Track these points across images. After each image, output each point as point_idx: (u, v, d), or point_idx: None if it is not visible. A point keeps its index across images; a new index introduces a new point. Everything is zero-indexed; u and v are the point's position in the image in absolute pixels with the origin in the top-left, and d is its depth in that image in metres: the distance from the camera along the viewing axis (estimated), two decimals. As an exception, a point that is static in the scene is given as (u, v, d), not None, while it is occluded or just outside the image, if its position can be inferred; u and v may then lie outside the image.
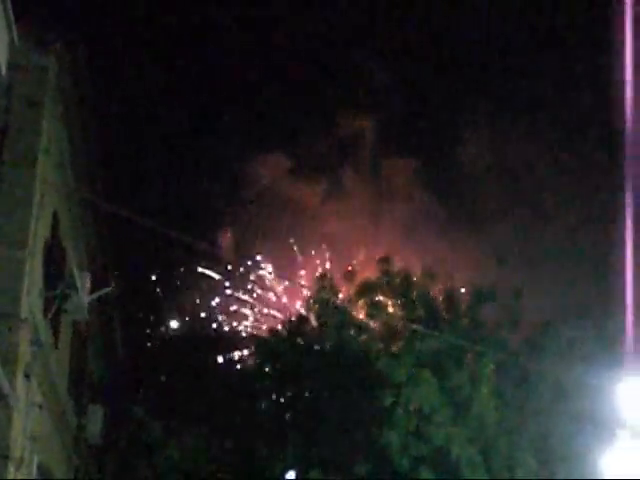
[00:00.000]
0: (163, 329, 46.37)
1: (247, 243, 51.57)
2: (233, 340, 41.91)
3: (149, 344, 43.33)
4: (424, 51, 48.25)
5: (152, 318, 46.56)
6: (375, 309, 25.77)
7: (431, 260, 29.17)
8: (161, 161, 48.59)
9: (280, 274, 50.24)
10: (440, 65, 47.98)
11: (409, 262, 29.63)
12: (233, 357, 38.98)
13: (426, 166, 46.28)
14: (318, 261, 50.02)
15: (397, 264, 26.94)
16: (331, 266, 46.04)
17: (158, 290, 48.65)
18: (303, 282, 45.85)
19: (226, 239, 51.49)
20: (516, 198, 41.75)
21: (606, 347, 24.25)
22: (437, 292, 26.34)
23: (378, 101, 49.34)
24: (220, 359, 38.62)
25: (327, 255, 49.98)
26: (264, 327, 42.57)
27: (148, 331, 44.83)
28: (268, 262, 51.07)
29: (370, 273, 27.51)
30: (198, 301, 50.71)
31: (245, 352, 37.46)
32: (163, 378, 34.95)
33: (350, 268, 28.08)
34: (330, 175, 50.15)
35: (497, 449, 23.94)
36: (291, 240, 50.51)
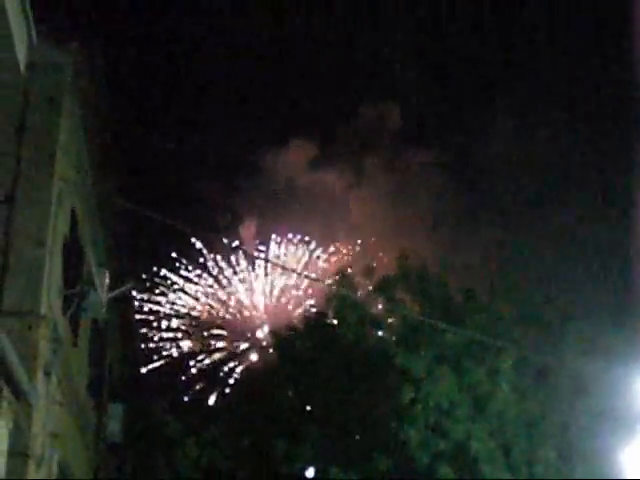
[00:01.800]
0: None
1: (268, 233, 51.53)
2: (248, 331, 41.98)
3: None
4: (448, 43, 47.93)
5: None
6: (393, 305, 25.72)
7: (450, 254, 29.13)
8: (180, 156, 48.59)
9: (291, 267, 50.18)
10: (465, 57, 47.68)
11: (428, 255, 29.56)
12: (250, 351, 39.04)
13: (450, 158, 46.00)
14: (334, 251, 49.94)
15: (416, 258, 26.87)
16: (350, 258, 45.89)
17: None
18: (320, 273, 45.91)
19: (248, 231, 51.50)
20: (537, 190, 41.55)
21: (626, 342, 24.15)
22: (455, 287, 26.31)
23: (402, 91, 49.08)
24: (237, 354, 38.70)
25: (344, 247, 49.91)
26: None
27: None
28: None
29: (389, 266, 27.43)
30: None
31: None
32: (181, 375, 35.03)
33: (373, 264, 27.89)
34: (353, 165, 49.81)
35: (517, 444, 23.87)
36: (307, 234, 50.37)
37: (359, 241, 48.17)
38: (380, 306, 26.18)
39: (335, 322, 26.41)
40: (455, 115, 47.46)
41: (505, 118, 44.50)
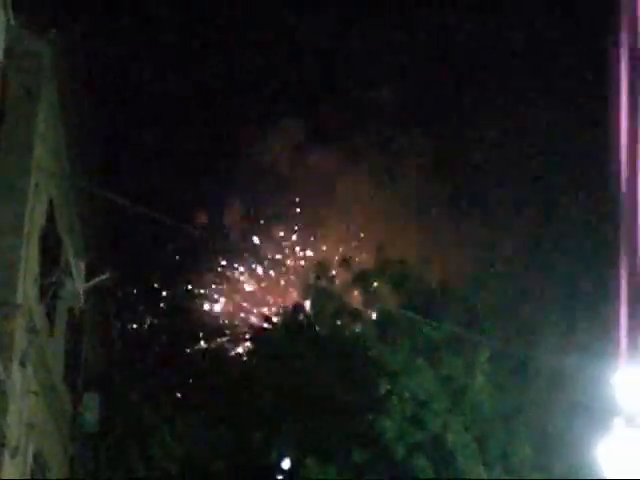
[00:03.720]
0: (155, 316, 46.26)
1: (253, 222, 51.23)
2: (225, 325, 41.87)
3: (143, 330, 43.30)
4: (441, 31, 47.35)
5: (146, 305, 46.49)
6: (371, 297, 25.75)
7: (430, 245, 29.16)
8: (161, 144, 48.01)
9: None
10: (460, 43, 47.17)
11: (411, 243, 29.59)
12: (227, 343, 38.95)
13: (440, 145, 45.57)
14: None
15: (396, 249, 26.93)
16: (327, 247, 45.61)
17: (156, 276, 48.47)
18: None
19: (232, 218, 51.18)
20: (520, 185, 41.47)
21: (602, 336, 24.24)
22: (434, 278, 26.38)
23: (394, 74, 48.62)
24: (214, 345, 38.62)
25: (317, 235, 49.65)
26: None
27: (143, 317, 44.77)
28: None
29: (367, 256, 27.45)
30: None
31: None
32: (157, 365, 34.92)
33: (347, 256, 27.94)
34: (341, 147, 49.31)
35: (493, 437, 23.97)
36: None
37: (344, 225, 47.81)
38: (358, 298, 26.20)
39: (312, 314, 26.42)
40: (450, 102, 46.82)
41: (503, 108, 44.23)
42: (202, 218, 51.17)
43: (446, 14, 45.98)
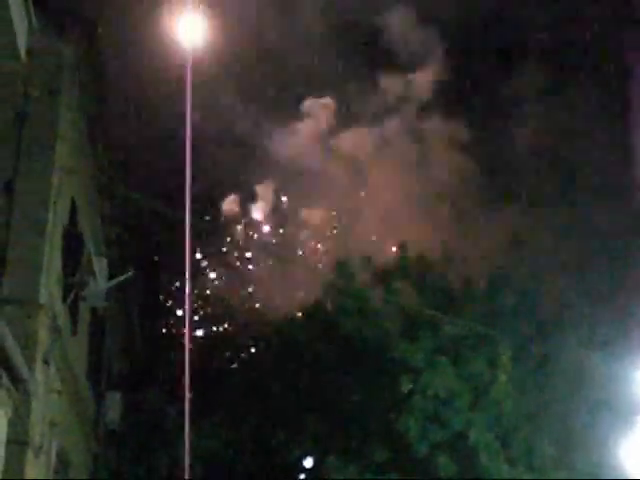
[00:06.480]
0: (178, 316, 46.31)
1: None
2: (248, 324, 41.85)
3: (165, 330, 43.39)
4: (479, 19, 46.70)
5: (169, 303, 46.58)
6: (392, 295, 25.70)
7: (452, 241, 29.01)
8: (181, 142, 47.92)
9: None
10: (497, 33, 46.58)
11: (436, 236, 29.45)
12: (248, 341, 38.91)
13: (476, 136, 45.07)
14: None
15: (418, 244, 26.85)
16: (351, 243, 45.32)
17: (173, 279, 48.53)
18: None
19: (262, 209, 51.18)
20: (550, 184, 41.09)
21: (625, 333, 24.15)
22: (456, 275, 26.32)
23: (426, 63, 48.19)
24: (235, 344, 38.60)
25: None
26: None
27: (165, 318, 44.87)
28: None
29: (388, 250, 27.27)
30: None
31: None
32: (180, 364, 34.95)
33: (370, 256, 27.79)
34: (372, 132, 48.90)
35: (515, 435, 23.89)
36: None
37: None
38: (379, 296, 26.14)
39: (333, 311, 26.38)
40: (486, 90, 46.15)
41: (540, 99, 43.63)
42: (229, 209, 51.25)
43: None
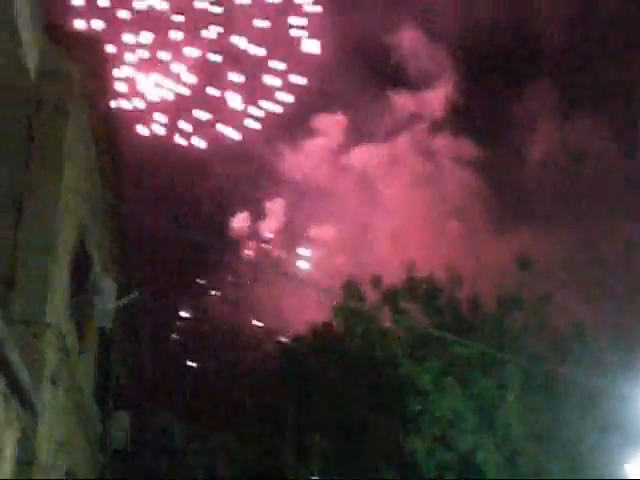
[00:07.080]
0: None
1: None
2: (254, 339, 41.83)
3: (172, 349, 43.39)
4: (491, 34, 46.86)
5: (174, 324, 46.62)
6: (400, 316, 25.66)
7: (462, 260, 28.95)
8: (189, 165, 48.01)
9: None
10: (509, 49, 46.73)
11: (439, 259, 29.40)
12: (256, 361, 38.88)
13: (487, 155, 45.06)
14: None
15: (427, 262, 26.80)
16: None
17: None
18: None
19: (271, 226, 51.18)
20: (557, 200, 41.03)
21: (635, 355, 24.07)
22: (463, 297, 26.26)
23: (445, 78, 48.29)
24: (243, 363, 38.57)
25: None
26: None
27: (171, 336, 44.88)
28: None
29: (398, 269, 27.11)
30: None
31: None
32: (187, 383, 34.95)
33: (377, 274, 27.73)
34: (384, 149, 48.88)
35: (523, 456, 23.81)
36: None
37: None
38: (387, 317, 26.11)
39: (341, 333, 26.35)
40: (499, 109, 46.27)
41: (551, 116, 43.58)
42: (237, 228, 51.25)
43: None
